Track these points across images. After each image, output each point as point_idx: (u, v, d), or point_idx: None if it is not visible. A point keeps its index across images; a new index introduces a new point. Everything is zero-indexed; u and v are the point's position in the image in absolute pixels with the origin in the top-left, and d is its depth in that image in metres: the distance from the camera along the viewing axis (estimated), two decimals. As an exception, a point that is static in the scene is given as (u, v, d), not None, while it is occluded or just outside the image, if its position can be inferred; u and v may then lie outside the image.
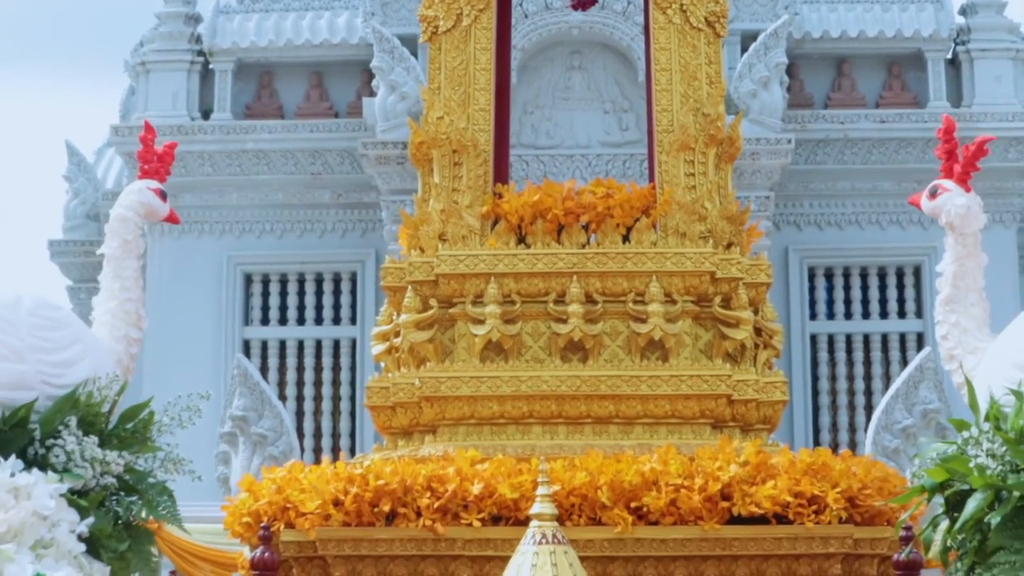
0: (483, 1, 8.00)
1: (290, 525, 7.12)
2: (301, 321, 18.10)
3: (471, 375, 7.67)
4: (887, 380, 16.72)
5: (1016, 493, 5.29)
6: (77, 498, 5.29)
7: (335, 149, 17.96)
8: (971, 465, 5.44)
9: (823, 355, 17.74)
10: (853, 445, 15.64)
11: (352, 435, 17.76)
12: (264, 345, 17.90)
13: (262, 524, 6.53)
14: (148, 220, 6.29)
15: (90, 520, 5.31)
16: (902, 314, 18.11)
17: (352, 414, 17.87)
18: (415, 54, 16.72)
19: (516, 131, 16.69)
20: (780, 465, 7.13)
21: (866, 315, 17.79)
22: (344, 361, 18.05)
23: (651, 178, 8.10)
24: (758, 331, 7.89)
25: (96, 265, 20.19)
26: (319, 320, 18.17)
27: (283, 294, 18.18)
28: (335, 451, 18.04)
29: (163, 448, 5.61)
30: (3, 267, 41.04)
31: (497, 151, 8.14)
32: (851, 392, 17.41)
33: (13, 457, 5.27)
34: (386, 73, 17.06)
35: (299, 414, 17.39)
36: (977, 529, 5.46)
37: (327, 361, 18.10)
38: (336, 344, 18.14)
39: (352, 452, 17.97)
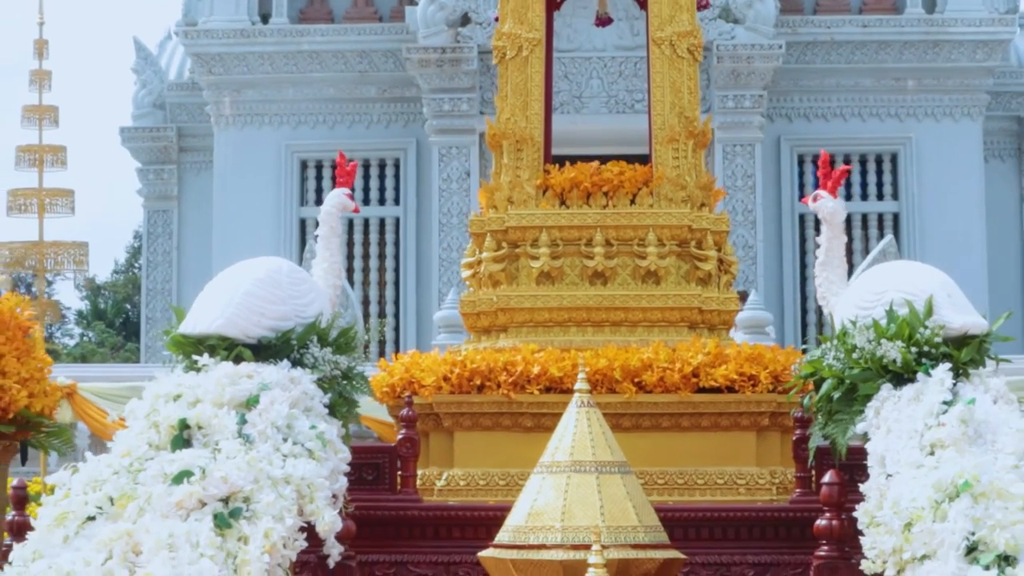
0: (536, 39, 10.10)
1: (414, 393, 9.37)
2: (350, 202, 21.24)
3: (530, 293, 9.72)
4: (866, 255, 18.52)
5: (848, 381, 8.00)
6: (321, 382, 8.04)
7: (380, 50, 20.52)
8: (825, 364, 8.20)
9: (810, 232, 20.36)
10: (835, 311, 17.31)
11: (396, 302, 20.58)
12: (317, 224, 20.99)
13: (407, 393, 8.90)
14: (343, 212, 9.68)
15: (329, 395, 7.99)
16: (880, 196, 20.71)
17: (396, 284, 20.67)
18: (453, -34, 19.12)
19: (540, 37, 19.69)
20: (731, 354, 9.28)
21: (848, 197, 19.89)
22: (389, 237, 20.81)
23: (650, 160, 9.99)
24: (721, 262, 9.94)
25: (162, 149, 23.54)
26: (366, 201, 20.67)
27: (334, 178, 19.43)
28: (381, 316, 20.69)
29: (358, 351, 8.71)
30: (81, 152, 42.14)
31: (546, 141, 10.11)
32: (834, 265, 20.50)
33: (285, 360, 8.03)
34: (427, -17, 19.53)
35: (350, 285, 19.21)
36: (828, 400, 8.13)
37: (373, 237, 20.86)
38: (382, 222, 20.88)
39: (396, 318, 20.58)
